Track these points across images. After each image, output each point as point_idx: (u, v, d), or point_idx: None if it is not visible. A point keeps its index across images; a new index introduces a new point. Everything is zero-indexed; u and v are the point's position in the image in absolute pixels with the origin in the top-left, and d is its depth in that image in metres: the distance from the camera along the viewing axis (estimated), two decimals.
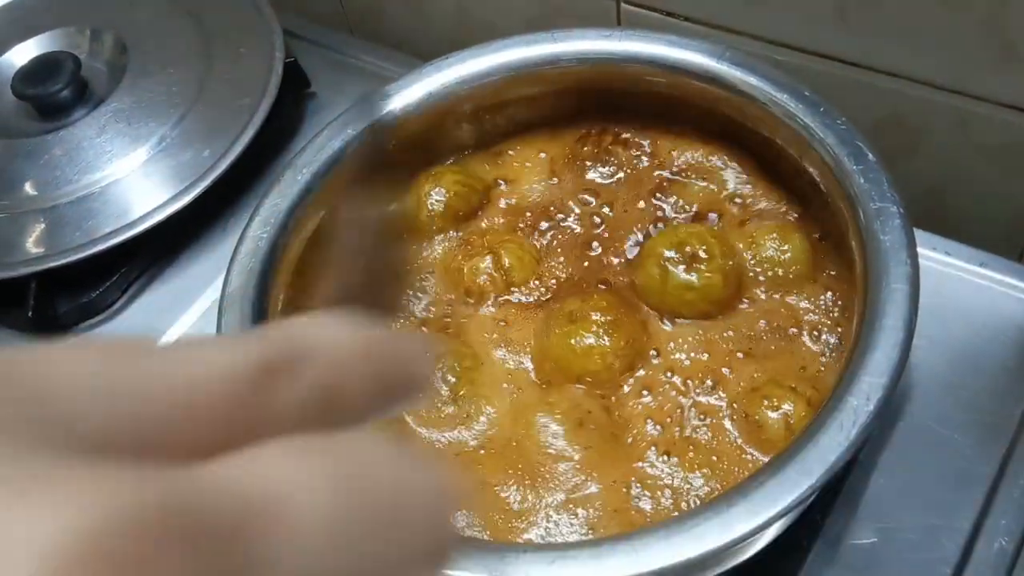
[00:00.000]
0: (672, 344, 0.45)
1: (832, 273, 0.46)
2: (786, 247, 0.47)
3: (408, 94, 0.51)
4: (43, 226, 0.62)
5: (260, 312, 0.44)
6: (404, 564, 0.14)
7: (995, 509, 0.45)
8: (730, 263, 0.46)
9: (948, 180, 0.60)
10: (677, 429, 0.42)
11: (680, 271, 0.45)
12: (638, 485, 0.41)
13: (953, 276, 0.53)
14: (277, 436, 0.14)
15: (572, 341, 0.44)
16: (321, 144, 0.50)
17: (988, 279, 0.52)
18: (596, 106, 0.53)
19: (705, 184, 0.51)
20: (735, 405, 0.43)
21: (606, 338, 0.44)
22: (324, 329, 0.16)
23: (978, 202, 0.60)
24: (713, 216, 0.50)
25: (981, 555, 0.44)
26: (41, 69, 0.67)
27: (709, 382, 0.44)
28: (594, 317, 0.44)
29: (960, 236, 0.54)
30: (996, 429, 0.47)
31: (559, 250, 0.50)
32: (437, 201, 0.51)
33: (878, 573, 0.44)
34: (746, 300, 0.46)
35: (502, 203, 0.52)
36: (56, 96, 0.66)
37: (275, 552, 0.12)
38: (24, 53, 0.69)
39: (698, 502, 0.40)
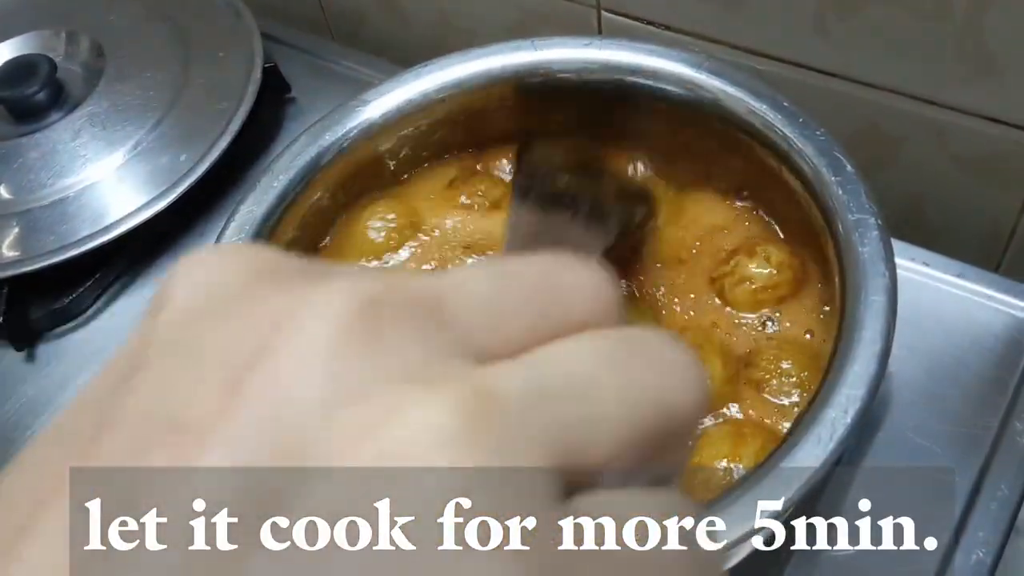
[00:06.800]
0: None
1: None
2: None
3: (387, 100, 0.51)
4: (16, 230, 0.61)
5: None
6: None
7: (973, 521, 0.45)
8: None
9: (925, 191, 0.60)
10: None
11: None
12: None
13: (931, 287, 0.53)
14: None
15: None
16: (298, 150, 0.49)
17: (966, 290, 0.52)
18: (575, 116, 0.53)
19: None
20: None
21: None
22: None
23: (956, 213, 0.60)
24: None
25: (959, 567, 0.44)
26: (16, 71, 0.66)
27: None
28: None
29: (938, 246, 0.54)
30: (974, 440, 0.47)
31: None
32: None
33: None
34: None
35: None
36: (31, 99, 0.65)
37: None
38: None
39: None
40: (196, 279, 0.16)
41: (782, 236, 0.48)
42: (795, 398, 0.43)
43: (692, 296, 0.48)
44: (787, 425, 0.42)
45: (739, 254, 0.47)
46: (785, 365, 0.43)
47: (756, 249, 0.46)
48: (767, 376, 0.44)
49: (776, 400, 0.43)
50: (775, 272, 0.46)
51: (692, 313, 0.47)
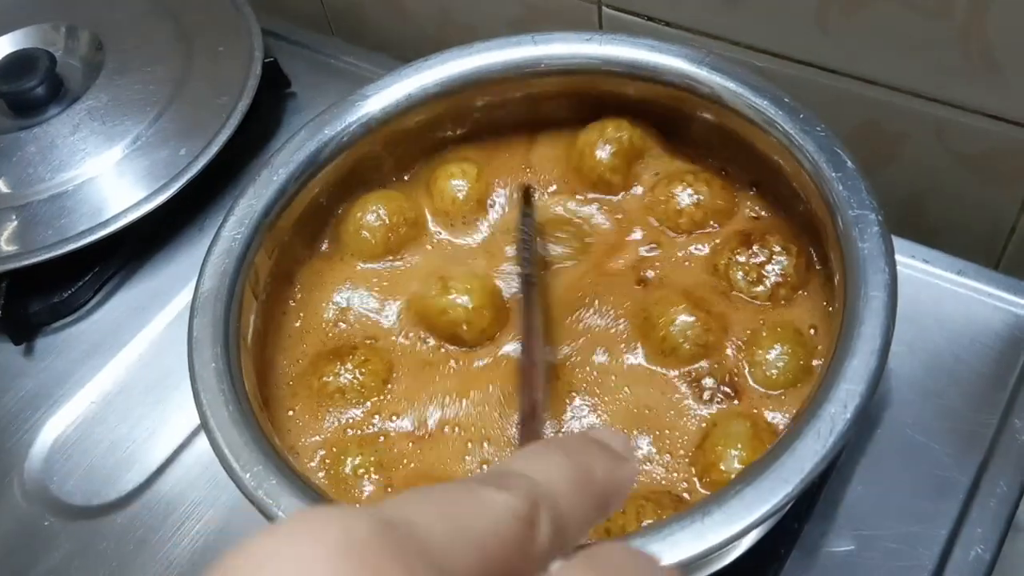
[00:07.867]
0: None
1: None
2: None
3: (387, 95, 0.51)
4: (15, 224, 0.61)
5: (232, 315, 0.43)
6: None
7: (971, 517, 0.45)
8: None
9: (926, 188, 0.60)
10: None
11: None
12: None
13: (931, 284, 0.53)
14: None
15: None
16: (298, 144, 0.49)
17: (966, 287, 0.52)
18: (575, 110, 0.52)
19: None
20: None
21: None
22: (548, 466, 0.20)
23: (956, 210, 0.60)
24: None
25: (957, 563, 0.44)
26: (16, 65, 0.66)
27: None
28: None
29: (938, 244, 0.54)
30: (973, 437, 0.47)
31: None
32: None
33: None
34: None
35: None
36: (30, 93, 0.65)
37: None
38: None
39: None
40: None
41: (783, 232, 0.48)
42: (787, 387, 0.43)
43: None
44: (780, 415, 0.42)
45: (736, 257, 0.46)
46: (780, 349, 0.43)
47: (752, 266, 0.46)
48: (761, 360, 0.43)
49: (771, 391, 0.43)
50: (768, 291, 0.46)
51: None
